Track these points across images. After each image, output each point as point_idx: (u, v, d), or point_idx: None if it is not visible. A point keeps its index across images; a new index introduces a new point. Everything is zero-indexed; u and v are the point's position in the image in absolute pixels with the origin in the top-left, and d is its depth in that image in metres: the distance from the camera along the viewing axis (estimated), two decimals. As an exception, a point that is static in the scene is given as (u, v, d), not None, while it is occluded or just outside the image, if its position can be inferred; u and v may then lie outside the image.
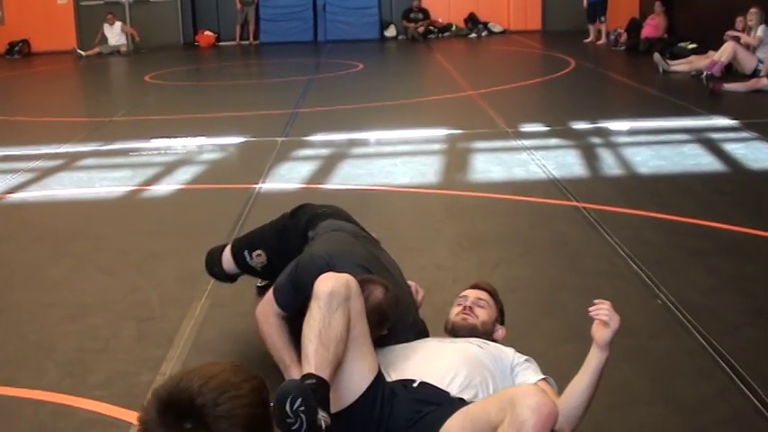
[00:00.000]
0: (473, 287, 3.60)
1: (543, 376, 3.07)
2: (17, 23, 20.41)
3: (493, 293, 3.58)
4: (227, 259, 4.23)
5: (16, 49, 20.29)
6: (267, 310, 3.52)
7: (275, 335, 3.47)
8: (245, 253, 4.15)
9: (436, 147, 8.34)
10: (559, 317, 4.21)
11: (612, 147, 7.97)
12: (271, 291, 3.59)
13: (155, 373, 3.74)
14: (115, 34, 19.74)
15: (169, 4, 21.11)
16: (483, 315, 3.44)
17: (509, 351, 3.23)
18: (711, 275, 4.69)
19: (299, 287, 3.36)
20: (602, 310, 2.87)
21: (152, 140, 9.00)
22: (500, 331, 3.50)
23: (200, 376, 1.71)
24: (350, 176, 7.20)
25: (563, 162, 7.36)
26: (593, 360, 2.86)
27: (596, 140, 8.30)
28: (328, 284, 2.98)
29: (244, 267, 4.20)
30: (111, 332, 4.24)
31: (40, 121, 11.05)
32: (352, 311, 2.97)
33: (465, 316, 3.42)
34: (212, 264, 4.30)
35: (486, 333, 3.40)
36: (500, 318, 3.55)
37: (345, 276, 3.05)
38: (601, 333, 2.85)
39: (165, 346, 4.02)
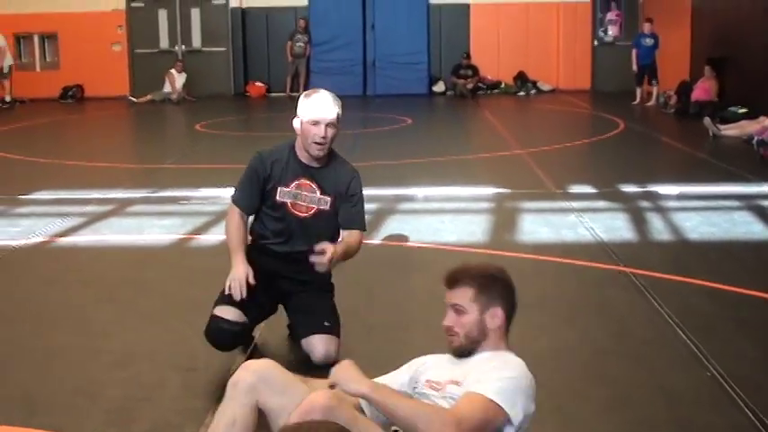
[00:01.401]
0: (447, 288, 3.02)
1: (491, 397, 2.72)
2: (72, 69, 20.87)
3: (468, 281, 2.98)
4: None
5: (70, 93, 20.74)
6: (234, 210, 4.54)
7: (234, 225, 4.48)
8: None
9: (484, 205, 8.33)
10: (605, 384, 4.15)
11: (661, 211, 7.90)
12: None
13: (198, 424, 3.74)
14: (181, 81, 20.12)
15: (221, 54, 21.45)
16: (461, 326, 2.94)
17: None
18: (759, 347, 4.62)
19: (246, 185, 4.63)
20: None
21: (201, 189, 9.10)
22: (496, 319, 2.97)
23: (318, 428, 1.89)
24: (396, 232, 7.20)
25: (611, 225, 7.30)
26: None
27: (645, 204, 8.24)
28: (236, 376, 3.04)
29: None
30: (156, 381, 4.26)
31: (92, 166, 11.23)
32: (270, 404, 2.95)
33: (449, 339, 2.99)
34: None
35: (476, 340, 2.95)
36: (495, 301, 2.97)
37: (260, 365, 3.09)
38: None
39: (209, 397, 4.02)
